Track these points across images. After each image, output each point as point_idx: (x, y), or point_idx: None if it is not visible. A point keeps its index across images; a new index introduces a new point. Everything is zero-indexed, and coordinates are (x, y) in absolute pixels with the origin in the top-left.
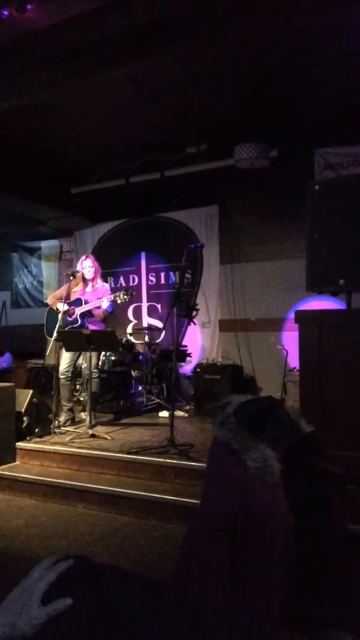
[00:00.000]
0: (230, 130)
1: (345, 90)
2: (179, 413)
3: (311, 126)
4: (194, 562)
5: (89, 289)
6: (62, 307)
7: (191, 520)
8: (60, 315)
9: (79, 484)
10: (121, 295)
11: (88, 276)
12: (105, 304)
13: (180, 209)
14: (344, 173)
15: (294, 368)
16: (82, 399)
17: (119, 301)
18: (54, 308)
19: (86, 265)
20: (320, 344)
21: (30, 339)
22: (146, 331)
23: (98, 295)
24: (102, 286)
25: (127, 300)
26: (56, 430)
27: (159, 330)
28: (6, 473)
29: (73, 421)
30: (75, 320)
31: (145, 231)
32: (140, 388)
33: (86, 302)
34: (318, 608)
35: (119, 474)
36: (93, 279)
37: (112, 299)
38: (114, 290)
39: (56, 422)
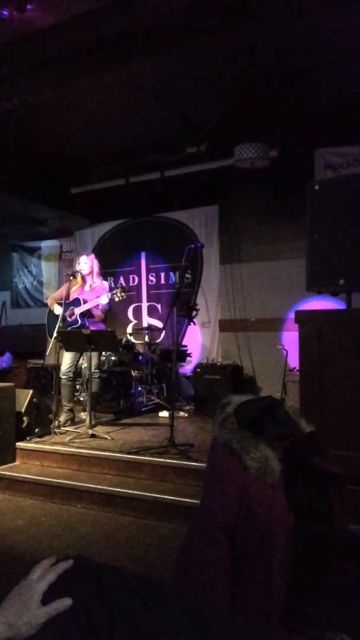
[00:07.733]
0: (230, 130)
1: (345, 91)
2: (179, 413)
3: (311, 126)
4: (194, 562)
5: (87, 288)
6: (58, 310)
7: (191, 520)
8: (59, 316)
9: (79, 484)
10: (118, 293)
11: (84, 271)
12: (104, 300)
13: (180, 209)
14: (344, 173)
15: (294, 368)
16: (82, 399)
17: (116, 299)
18: (53, 310)
19: (82, 261)
20: (320, 344)
21: (30, 339)
22: (146, 331)
23: (97, 294)
24: (101, 284)
25: (124, 297)
26: (56, 430)
27: (159, 330)
28: (6, 473)
29: (73, 421)
30: (75, 321)
31: (145, 231)
32: (140, 388)
33: (85, 302)
34: (318, 608)
35: (119, 474)
36: (90, 276)
37: (110, 296)
38: (112, 289)
39: (56, 422)
